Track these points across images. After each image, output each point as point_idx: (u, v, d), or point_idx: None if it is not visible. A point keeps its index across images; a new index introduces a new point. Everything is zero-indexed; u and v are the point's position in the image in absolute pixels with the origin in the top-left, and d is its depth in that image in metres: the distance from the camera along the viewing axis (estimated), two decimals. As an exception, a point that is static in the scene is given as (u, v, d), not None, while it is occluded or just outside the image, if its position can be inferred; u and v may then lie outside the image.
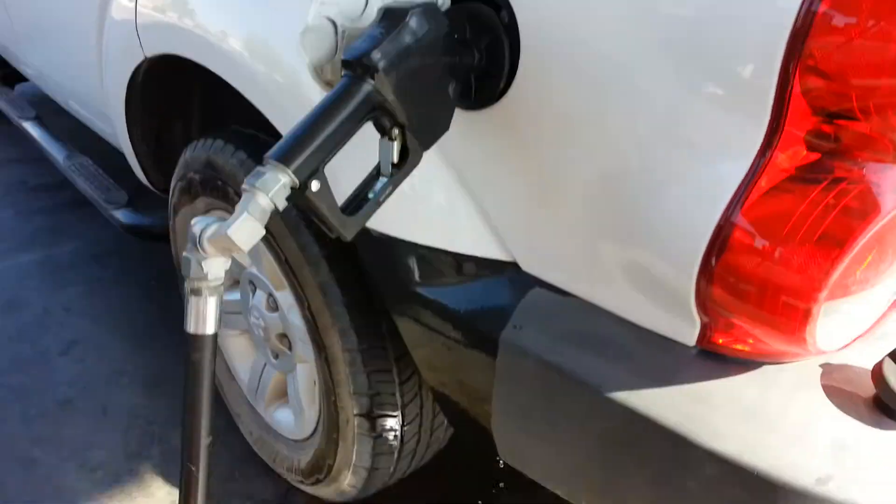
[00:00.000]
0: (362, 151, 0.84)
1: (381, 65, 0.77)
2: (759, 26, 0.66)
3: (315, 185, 0.76)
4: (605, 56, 0.77)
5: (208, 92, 1.67)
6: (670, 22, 0.71)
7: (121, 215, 1.98)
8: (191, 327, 0.82)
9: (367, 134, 0.82)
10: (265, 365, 1.57)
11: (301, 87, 1.06)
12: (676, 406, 0.84)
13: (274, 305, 1.41)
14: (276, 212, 0.77)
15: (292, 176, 0.74)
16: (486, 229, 0.96)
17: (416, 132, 0.81)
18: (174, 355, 2.02)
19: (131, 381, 1.94)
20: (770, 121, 0.64)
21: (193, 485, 0.91)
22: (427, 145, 0.83)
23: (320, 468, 1.45)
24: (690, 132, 0.72)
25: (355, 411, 1.29)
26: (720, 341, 0.82)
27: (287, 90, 1.11)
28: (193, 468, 0.91)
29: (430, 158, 0.89)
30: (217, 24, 1.22)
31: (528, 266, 0.94)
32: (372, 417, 1.30)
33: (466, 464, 1.75)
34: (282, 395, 1.58)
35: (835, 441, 0.79)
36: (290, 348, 1.44)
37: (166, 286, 2.34)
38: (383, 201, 0.82)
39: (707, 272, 0.75)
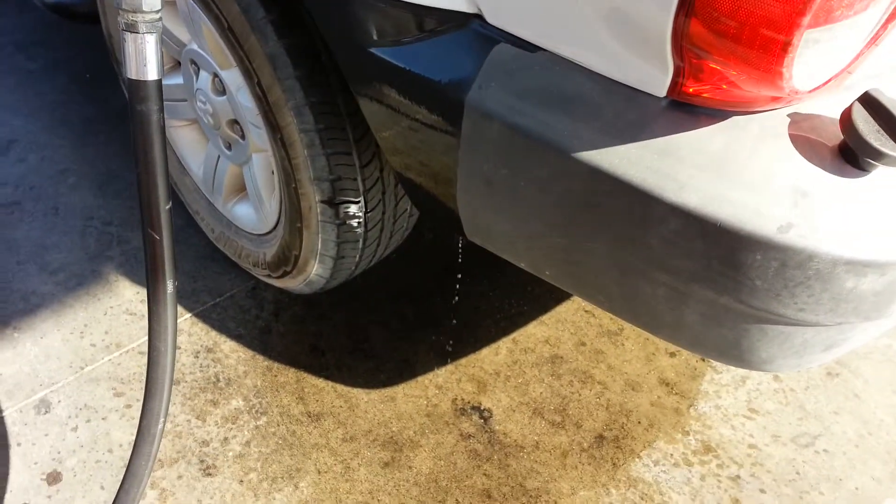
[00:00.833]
0: None
1: None
2: None
3: None
4: None
5: None
6: None
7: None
8: (131, 72, 0.75)
9: None
10: (219, 157, 1.51)
11: None
12: (642, 161, 0.82)
13: (221, 88, 1.33)
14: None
15: None
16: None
17: None
18: (121, 152, 1.95)
19: (79, 180, 1.88)
20: None
21: (159, 252, 0.89)
22: None
23: (287, 260, 1.45)
24: None
25: (317, 198, 1.27)
26: (691, 90, 0.79)
27: None
28: (156, 235, 0.88)
29: None
30: None
31: (493, 17, 0.88)
32: (335, 204, 1.28)
33: (428, 255, 1.77)
34: (240, 189, 1.55)
35: (797, 189, 0.79)
36: (242, 137, 1.38)
37: (102, 79, 2.20)
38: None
39: (685, 5, 0.70)
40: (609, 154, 0.84)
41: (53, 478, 1.32)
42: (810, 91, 0.76)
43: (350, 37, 0.99)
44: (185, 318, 1.59)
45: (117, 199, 1.84)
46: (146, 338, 1.07)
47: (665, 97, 0.81)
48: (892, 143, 0.76)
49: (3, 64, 2.26)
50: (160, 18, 0.74)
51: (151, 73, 0.76)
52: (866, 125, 0.77)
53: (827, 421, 1.52)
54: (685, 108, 0.82)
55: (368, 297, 1.67)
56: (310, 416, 1.45)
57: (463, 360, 1.57)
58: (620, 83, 0.83)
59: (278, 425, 1.43)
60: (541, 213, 0.95)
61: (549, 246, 0.99)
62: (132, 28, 0.72)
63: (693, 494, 1.38)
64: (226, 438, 1.40)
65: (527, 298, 1.71)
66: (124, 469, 1.08)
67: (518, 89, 0.89)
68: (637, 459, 1.43)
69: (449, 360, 1.56)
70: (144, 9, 0.71)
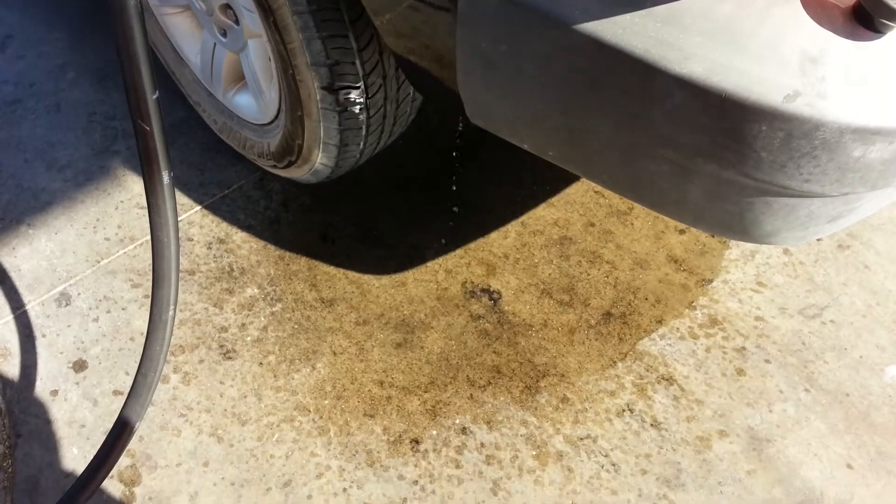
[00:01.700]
0: None
1: None
2: None
3: None
4: None
5: None
6: None
7: None
8: None
9: None
10: (215, 45, 1.47)
11: None
12: (646, 31, 0.79)
13: (211, -32, 1.27)
14: None
15: None
16: None
17: None
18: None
19: (79, 75, 1.85)
20: None
21: (151, 143, 0.88)
22: None
23: (291, 149, 1.44)
24: None
25: (316, 84, 1.24)
26: (700, -52, 0.75)
27: None
28: (146, 126, 0.87)
29: None
30: None
31: None
32: (334, 90, 1.25)
33: (436, 139, 1.75)
34: (239, 77, 1.51)
35: (805, 54, 0.75)
36: (237, 22, 1.34)
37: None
38: None
39: None
40: (611, 24, 0.80)
41: (80, 365, 1.38)
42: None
43: None
44: (196, 211, 1.60)
45: (118, 91, 1.81)
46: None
47: (670, -41, 0.77)
48: (911, 1, 0.72)
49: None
50: None
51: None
52: (883, -18, 0.72)
53: (835, 292, 1.53)
54: (691, -29, 0.77)
55: (376, 185, 1.67)
56: (323, 302, 1.48)
57: (472, 245, 1.58)
58: (623, -54, 0.78)
59: (293, 311, 1.47)
60: (542, 91, 0.93)
61: (552, 126, 0.97)
62: None
63: (697, 365, 1.42)
64: (243, 324, 1.44)
65: (536, 180, 1.69)
66: (146, 356, 1.13)
67: (515, -43, 0.84)
68: (643, 334, 1.46)
69: (458, 245, 1.58)
70: None
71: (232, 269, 1.52)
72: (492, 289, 1.51)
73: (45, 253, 1.53)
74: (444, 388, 1.38)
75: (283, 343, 1.42)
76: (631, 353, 1.44)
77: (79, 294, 1.47)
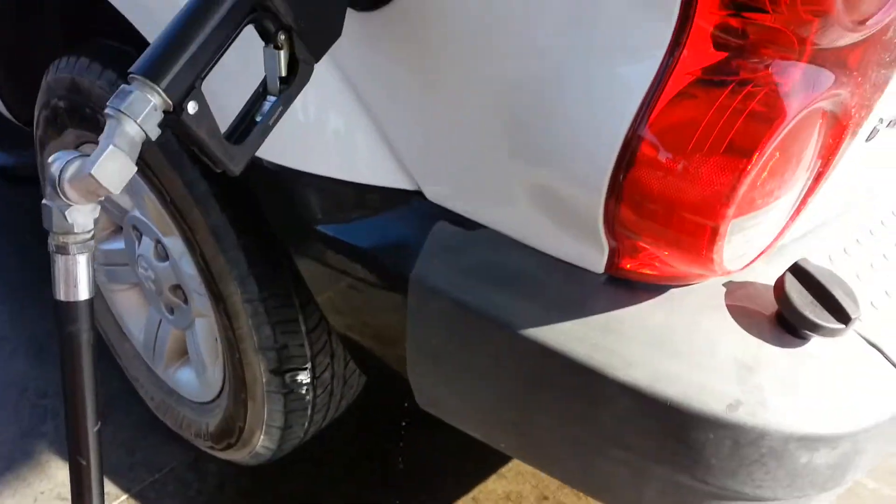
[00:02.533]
0: (247, 66, 0.76)
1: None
2: None
3: (192, 107, 0.67)
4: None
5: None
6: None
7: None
8: (60, 294, 0.71)
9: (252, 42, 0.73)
10: (160, 321, 1.47)
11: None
12: (587, 338, 0.82)
13: (164, 254, 1.31)
14: (148, 141, 0.68)
15: (164, 95, 0.65)
16: (388, 154, 0.90)
17: (305, 37, 0.72)
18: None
19: (14, 349, 1.79)
20: (679, 13, 0.61)
21: (86, 479, 0.82)
22: (318, 54, 0.75)
23: (231, 431, 1.38)
24: (594, 33, 0.68)
25: (263, 367, 1.23)
26: (628, 266, 0.81)
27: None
28: (83, 461, 0.82)
29: (323, 74, 0.82)
30: None
31: (433, 195, 0.90)
32: (281, 373, 1.23)
33: (384, 409, 1.71)
34: (182, 353, 1.50)
35: (740, 363, 0.79)
36: (185, 301, 1.35)
37: (44, 239, 2.16)
38: (273, 124, 0.74)
39: (615, 191, 0.72)
40: (554, 331, 0.83)
41: None
42: (741, 269, 0.78)
43: (292, 211, 1.00)
44: (123, 500, 1.48)
45: (53, 366, 1.76)
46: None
47: (603, 273, 0.82)
48: (827, 314, 0.78)
49: (-63, 226, 2.22)
50: (93, 237, 0.72)
51: (83, 294, 0.72)
52: (800, 297, 0.79)
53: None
54: (624, 284, 0.82)
55: (322, 462, 1.59)
56: None
57: (422, 527, 1.48)
58: (561, 260, 0.84)
59: None
60: (491, 387, 0.93)
61: (503, 421, 0.96)
62: (62, 250, 0.69)
63: None
64: None
65: (486, 449, 1.65)
66: None
67: (461, 266, 0.89)
68: None
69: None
70: (76, 230, 0.69)
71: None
72: (443, 581, 1.39)
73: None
74: None
75: None
76: None
77: None
